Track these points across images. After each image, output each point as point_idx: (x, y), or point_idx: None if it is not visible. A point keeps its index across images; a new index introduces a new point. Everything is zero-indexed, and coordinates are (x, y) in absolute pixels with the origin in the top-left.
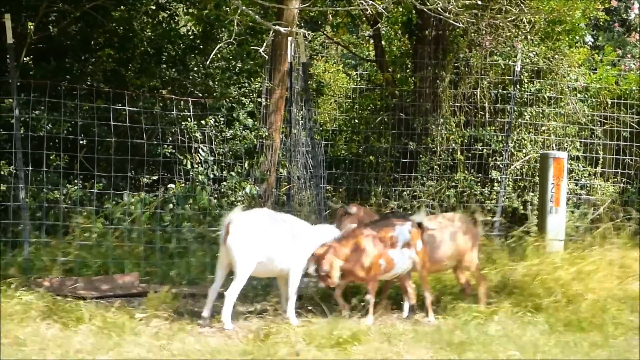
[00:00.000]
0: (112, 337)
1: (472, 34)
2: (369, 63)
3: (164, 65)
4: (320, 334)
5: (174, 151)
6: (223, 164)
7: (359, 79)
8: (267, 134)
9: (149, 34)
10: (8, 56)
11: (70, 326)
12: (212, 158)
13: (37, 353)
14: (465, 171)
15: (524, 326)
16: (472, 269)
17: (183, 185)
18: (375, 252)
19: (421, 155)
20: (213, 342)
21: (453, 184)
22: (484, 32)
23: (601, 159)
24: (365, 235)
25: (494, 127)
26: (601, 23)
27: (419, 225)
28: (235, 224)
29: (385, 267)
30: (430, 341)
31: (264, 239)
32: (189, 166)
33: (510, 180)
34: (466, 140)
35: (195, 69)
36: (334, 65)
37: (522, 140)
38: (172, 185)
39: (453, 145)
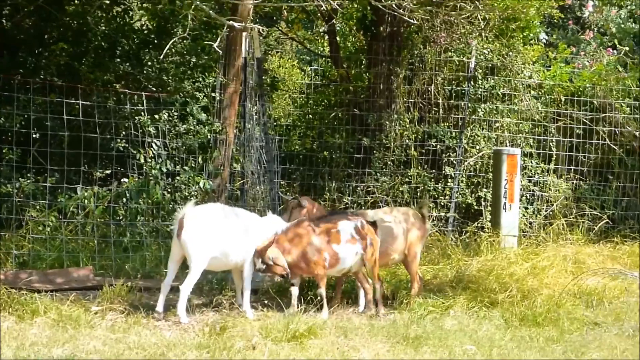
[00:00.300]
0: (67, 329)
1: (427, 31)
2: (324, 59)
3: (118, 60)
4: (277, 327)
5: (127, 145)
6: (177, 159)
7: (313, 74)
8: (220, 128)
9: (103, 28)
10: None
11: (26, 319)
12: (165, 152)
13: None
14: (419, 167)
15: (479, 321)
16: (415, 264)
17: (136, 179)
18: (318, 246)
19: (375, 151)
20: (169, 335)
21: (407, 179)
22: (438, 28)
23: (554, 156)
24: (308, 228)
25: (447, 124)
26: (555, 20)
27: (372, 223)
28: (188, 219)
29: (329, 261)
30: (386, 335)
31: (218, 233)
32: (142, 160)
33: (464, 176)
34: (420, 137)
35: (150, 63)
36: (289, 60)
37: (476, 136)
38: (126, 180)
39: (407, 141)
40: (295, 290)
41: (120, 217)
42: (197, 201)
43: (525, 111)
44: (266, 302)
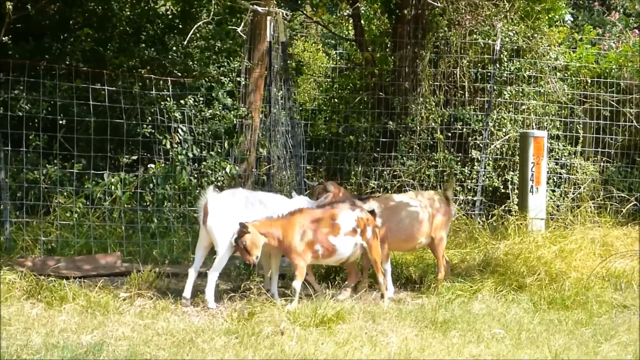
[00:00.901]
0: (96, 316)
1: (452, 13)
2: (349, 42)
3: (143, 45)
4: (305, 312)
5: (153, 131)
6: (203, 144)
7: (338, 58)
8: (246, 113)
9: (128, 13)
10: None
11: (54, 305)
12: (191, 138)
13: (22, 332)
14: (445, 150)
15: (507, 304)
16: (441, 248)
17: (163, 165)
18: (310, 237)
19: (401, 135)
20: (197, 321)
21: (433, 163)
22: (463, 11)
23: (581, 138)
24: (302, 217)
25: (473, 106)
26: (581, 2)
27: (372, 212)
28: (212, 205)
29: (323, 253)
30: (414, 320)
31: (243, 218)
32: (168, 146)
33: (491, 159)
34: (446, 120)
35: (175, 48)
36: (314, 44)
37: (502, 119)
38: (152, 165)
39: (433, 124)
40: (297, 285)
41: (147, 203)
42: (218, 185)
43: (551, 93)
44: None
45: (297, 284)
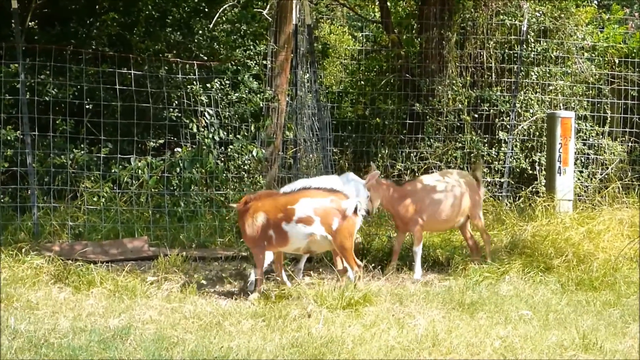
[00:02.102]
0: (123, 300)
1: None
2: (375, 24)
3: (169, 29)
4: (332, 295)
5: (180, 115)
6: (229, 128)
7: (364, 40)
8: (272, 96)
9: None
10: (13, 21)
11: (82, 290)
12: (217, 121)
13: (50, 316)
14: (472, 132)
15: (535, 286)
16: (481, 222)
17: (189, 149)
18: (261, 222)
19: (428, 117)
20: (224, 304)
21: (460, 145)
22: None
23: (609, 118)
24: (259, 201)
25: (500, 88)
26: None
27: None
28: None
29: (276, 239)
30: (441, 302)
31: None
32: (195, 130)
33: (518, 140)
34: (473, 101)
35: (200, 32)
36: (340, 27)
37: (529, 100)
38: (179, 149)
39: (459, 106)
40: (255, 271)
41: (174, 187)
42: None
43: (578, 74)
44: (321, 270)
45: (253, 272)
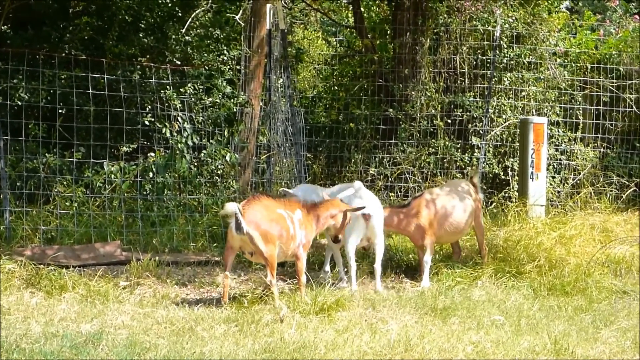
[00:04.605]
0: (96, 305)
1: (451, 0)
2: (348, 29)
3: (142, 33)
4: (304, 300)
5: (153, 119)
6: (202, 132)
7: (338, 45)
8: (246, 101)
9: (127, 1)
10: None
11: (54, 294)
12: (191, 126)
13: (22, 321)
14: (446, 137)
15: (507, 291)
16: (481, 234)
17: (163, 153)
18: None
19: (401, 122)
20: (197, 309)
21: (433, 150)
22: None
23: (581, 124)
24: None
25: (473, 93)
26: None
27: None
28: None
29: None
30: (414, 307)
31: None
32: (168, 134)
33: (491, 146)
34: (446, 107)
35: (174, 36)
36: (313, 32)
37: (502, 105)
38: (152, 154)
39: (433, 111)
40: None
41: (147, 192)
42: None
43: (551, 79)
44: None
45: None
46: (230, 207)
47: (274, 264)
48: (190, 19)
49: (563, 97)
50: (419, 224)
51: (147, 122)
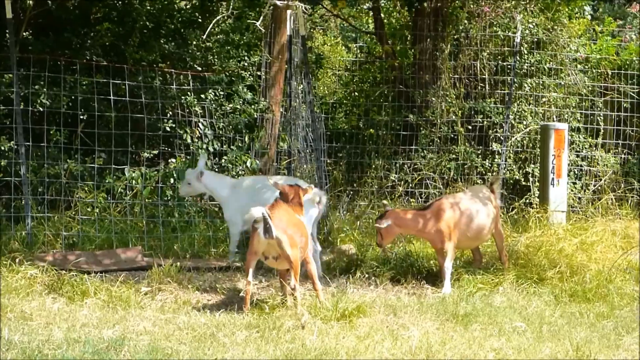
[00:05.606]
0: (117, 310)
1: (471, 5)
2: (369, 35)
3: (163, 39)
4: (326, 306)
5: (174, 125)
6: (223, 138)
7: (358, 51)
8: (267, 107)
9: (148, 7)
10: (7, 31)
11: (76, 300)
12: (212, 132)
13: (44, 327)
14: (466, 143)
15: (529, 297)
16: (501, 241)
17: (184, 159)
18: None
19: (421, 128)
20: (218, 315)
21: (453, 156)
22: (483, 3)
23: (602, 130)
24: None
25: (494, 99)
26: None
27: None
28: None
29: None
30: (435, 313)
31: None
32: (189, 140)
33: (511, 152)
34: (466, 112)
35: (195, 42)
36: (334, 38)
37: (523, 111)
38: (173, 160)
39: (453, 117)
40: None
41: (168, 198)
42: None
43: (571, 85)
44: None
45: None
46: (257, 211)
47: (298, 268)
48: (210, 25)
49: (584, 103)
50: (440, 226)
51: (168, 128)
